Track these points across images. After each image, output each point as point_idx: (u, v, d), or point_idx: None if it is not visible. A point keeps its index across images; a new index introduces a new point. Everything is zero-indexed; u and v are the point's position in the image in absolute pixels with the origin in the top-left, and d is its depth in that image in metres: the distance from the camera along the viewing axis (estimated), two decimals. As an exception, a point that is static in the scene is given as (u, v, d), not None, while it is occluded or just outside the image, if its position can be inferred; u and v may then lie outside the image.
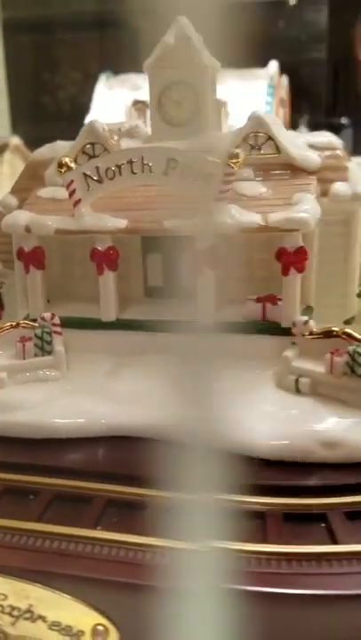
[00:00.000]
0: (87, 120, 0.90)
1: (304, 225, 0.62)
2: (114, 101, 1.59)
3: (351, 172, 0.69)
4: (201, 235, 0.66)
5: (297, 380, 0.62)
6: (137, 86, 1.45)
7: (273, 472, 0.55)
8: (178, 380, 0.66)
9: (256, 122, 0.69)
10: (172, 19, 0.72)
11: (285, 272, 0.65)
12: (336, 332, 0.62)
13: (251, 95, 1.37)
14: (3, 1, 2.06)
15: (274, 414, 0.59)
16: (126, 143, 0.76)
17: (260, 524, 0.49)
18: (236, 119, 1.39)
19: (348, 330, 0.61)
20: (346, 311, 0.72)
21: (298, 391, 0.62)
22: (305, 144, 0.70)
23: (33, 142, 1.16)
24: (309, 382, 0.62)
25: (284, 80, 1.80)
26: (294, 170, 0.69)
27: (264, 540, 0.47)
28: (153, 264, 0.78)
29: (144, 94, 1.49)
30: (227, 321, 0.70)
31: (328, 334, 0.63)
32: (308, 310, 0.73)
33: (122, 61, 1.89)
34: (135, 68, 1.42)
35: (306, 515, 0.50)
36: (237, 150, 0.63)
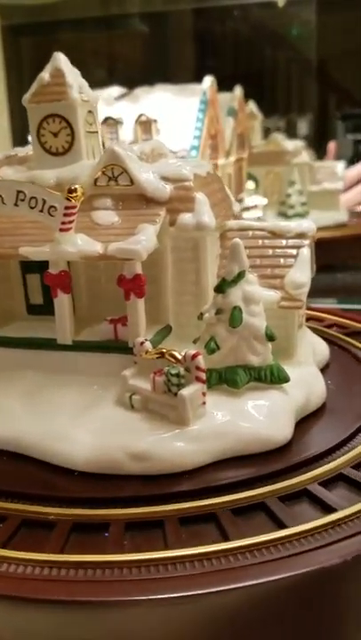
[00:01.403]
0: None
1: (136, 255, 0.67)
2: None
3: (198, 203, 0.74)
4: (51, 261, 0.72)
5: (130, 397, 0.68)
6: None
7: (83, 484, 0.60)
8: (30, 396, 0.72)
9: (111, 155, 0.74)
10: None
11: (127, 297, 0.71)
12: (164, 352, 0.67)
13: (183, 111, 1.41)
14: None
15: (100, 429, 0.64)
16: (4, 172, 0.82)
17: (48, 534, 0.54)
18: (167, 136, 1.44)
19: (173, 351, 0.66)
20: (200, 331, 0.77)
21: (132, 407, 0.67)
22: (158, 176, 0.75)
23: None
24: (140, 399, 0.67)
25: (238, 91, 1.85)
26: (147, 200, 0.74)
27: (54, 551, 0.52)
28: (32, 283, 0.83)
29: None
30: (85, 340, 0.75)
31: (161, 355, 0.68)
32: (165, 330, 0.78)
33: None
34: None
35: (93, 524, 0.55)
36: (76, 186, 0.69)
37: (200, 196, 0.74)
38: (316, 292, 1.78)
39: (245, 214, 1.88)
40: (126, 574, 0.49)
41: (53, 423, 0.66)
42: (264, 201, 1.98)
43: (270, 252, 0.78)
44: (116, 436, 0.63)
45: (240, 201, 1.89)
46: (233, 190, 1.83)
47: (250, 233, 0.80)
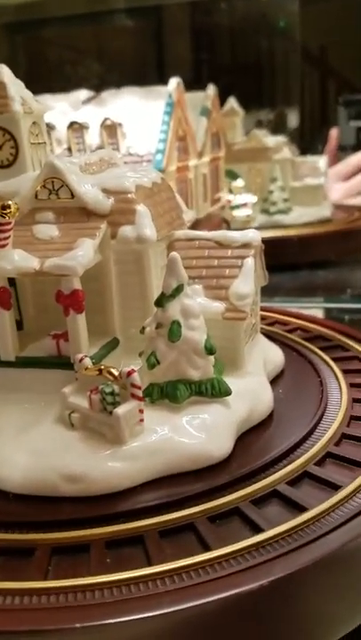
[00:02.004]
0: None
1: (71, 270, 0.67)
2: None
3: (138, 216, 0.73)
4: (-11, 278, 0.71)
5: (70, 415, 0.67)
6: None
7: (16, 507, 0.60)
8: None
9: (50, 168, 0.73)
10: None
11: (66, 313, 0.70)
12: (102, 369, 0.66)
13: (150, 114, 1.40)
14: None
15: (37, 450, 0.64)
16: None
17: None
18: (133, 140, 1.43)
19: (111, 368, 0.65)
20: (147, 344, 0.77)
21: (72, 425, 0.67)
22: (99, 188, 0.74)
23: None
24: (79, 417, 0.66)
25: (211, 90, 1.83)
26: (88, 214, 0.74)
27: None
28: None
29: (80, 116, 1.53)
30: (27, 356, 0.75)
31: (99, 371, 0.67)
32: (111, 343, 0.77)
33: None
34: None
35: (19, 549, 0.54)
36: (9, 202, 0.68)
37: (141, 208, 0.73)
38: (299, 290, 1.77)
39: (235, 212, 1.87)
40: (44, 602, 0.48)
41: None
42: (254, 199, 1.96)
43: (216, 262, 0.77)
44: (51, 458, 0.62)
45: (229, 200, 1.87)
46: (209, 190, 1.82)
47: (196, 243, 0.79)
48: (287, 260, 1.79)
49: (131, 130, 1.40)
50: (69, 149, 1.37)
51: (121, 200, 0.74)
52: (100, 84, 1.74)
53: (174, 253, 0.68)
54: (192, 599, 0.47)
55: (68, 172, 0.73)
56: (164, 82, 1.55)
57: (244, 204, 1.89)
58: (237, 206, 1.86)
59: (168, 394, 0.68)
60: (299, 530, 0.54)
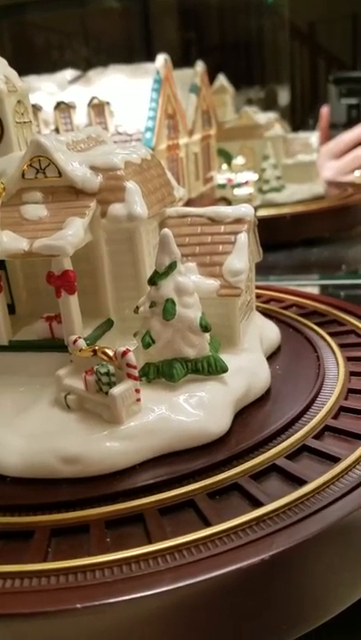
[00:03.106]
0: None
1: (61, 251, 0.65)
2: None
3: (128, 193, 0.72)
4: (-21, 261, 0.70)
5: (66, 397, 0.66)
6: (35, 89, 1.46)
7: (14, 490, 0.59)
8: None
9: (36, 147, 0.72)
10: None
11: (58, 294, 0.69)
12: (97, 350, 0.65)
13: (137, 92, 1.37)
14: None
15: (33, 433, 0.63)
16: None
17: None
18: (121, 118, 1.41)
19: (105, 349, 0.65)
20: (141, 324, 0.76)
21: (68, 407, 0.66)
22: (87, 166, 0.73)
23: None
24: (75, 399, 0.66)
25: (200, 67, 1.80)
26: (77, 192, 0.72)
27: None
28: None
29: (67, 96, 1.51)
30: (21, 340, 0.74)
31: (94, 352, 0.66)
32: (106, 324, 0.77)
33: None
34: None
35: (18, 532, 0.54)
36: (-4, 183, 0.66)
37: (131, 185, 0.72)
38: (294, 268, 1.76)
39: (236, 191, 1.85)
40: (45, 584, 0.48)
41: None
42: (255, 177, 1.93)
43: (209, 239, 0.76)
44: (48, 440, 0.61)
45: (230, 178, 1.84)
46: (201, 168, 1.80)
47: (189, 220, 0.78)
48: (281, 238, 1.78)
49: (119, 108, 1.37)
50: (57, 130, 1.35)
51: (110, 177, 0.72)
52: (86, 67, 1.71)
53: (166, 230, 0.67)
54: (194, 576, 0.46)
55: (55, 150, 0.72)
56: (152, 61, 1.52)
57: (245, 183, 1.86)
58: (238, 185, 1.84)
59: (164, 373, 0.68)
60: (299, 503, 0.54)
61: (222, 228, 0.76)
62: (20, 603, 0.46)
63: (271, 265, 1.73)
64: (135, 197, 0.71)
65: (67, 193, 0.72)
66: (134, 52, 3.04)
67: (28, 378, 0.71)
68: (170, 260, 0.67)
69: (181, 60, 2.09)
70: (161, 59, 1.40)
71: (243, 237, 0.74)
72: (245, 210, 0.75)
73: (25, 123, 0.82)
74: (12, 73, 0.81)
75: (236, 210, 0.76)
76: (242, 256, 0.73)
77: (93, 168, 0.73)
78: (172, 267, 0.67)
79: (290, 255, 1.80)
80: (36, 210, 0.72)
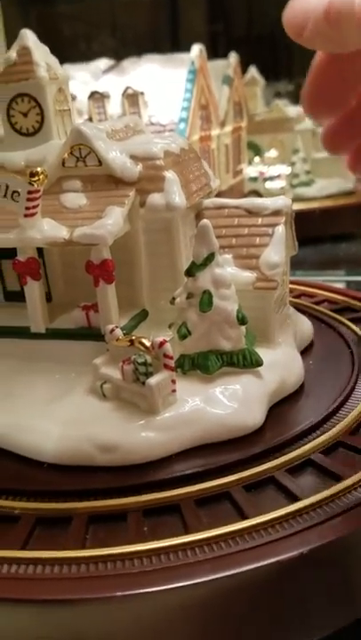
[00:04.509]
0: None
1: (101, 240, 0.66)
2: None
3: (167, 183, 0.71)
4: (19, 248, 0.70)
5: (102, 386, 0.67)
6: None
7: (51, 476, 0.60)
8: (1, 385, 0.72)
9: (77, 135, 0.72)
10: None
11: (96, 283, 0.69)
12: (134, 340, 0.66)
13: (171, 82, 1.37)
14: None
15: (70, 420, 0.64)
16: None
17: (11, 529, 0.54)
18: (155, 109, 1.40)
19: (142, 339, 0.65)
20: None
21: (104, 396, 0.66)
22: (127, 155, 0.73)
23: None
24: (111, 388, 0.66)
25: (233, 58, 1.78)
26: (117, 181, 0.72)
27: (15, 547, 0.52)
28: (8, 270, 0.82)
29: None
30: (58, 328, 0.74)
31: (131, 342, 0.66)
32: (141, 314, 0.77)
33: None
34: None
35: (56, 518, 0.54)
36: (38, 169, 0.67)
37: (170, 175, 0.72)
38: (322, 263, 1.74)
39: (268, 184, 1.83)
40: (83, 571, 0.48)
41: (24, 414, 0.66)
42: (288, 170, 1.91)
43: (246, 230, 0.75)
44: (85, 427, 0.62)
45: (262, 172, 1.82)
46: (231, 161, 1.79)
47: (225, 211, 0.78)
48: (309, 233, 1.75)
49: (152, 99, 1.37)
50: (90, 120, 1.35)
51: (149, 167, 0.72)
52: (114, 57, 1.71)
53: (205, 220, 0.66)
54: (230, 567, 0.47)
55: (96, 139, 0.72)
56: (180, 52, 1.51)
57: (278, 176, 1.85)
58: (271, 178, 1.82)
59: (199, 365, 0.68)
60: (335, 498, 0.54)
61: (260, 220, 0.75)
62: (58, 590, 0.46)
63: (299, 260, 1.72)
64: (174, 187, 0.71)
65: (106, 182, 0.73)
66: (161, 43, 3.02)
67: (63, 366, 0.72)
68: (208, 251, 0.66)
69: (209, 51, 2.08)
70: (196, 49, 1.40)
71: (280, 230, 0.73)
72: (283, 202, 0.75)
73: (65, 110, 0.82)
74: (54, 60, 0.81)
75: (274, 202, 0.75)
76: (279, 249, 0.72)
77: (133, 157, 0.73)
78: (209, 258, 0.67)
79: (318, 250, 1.79)
80: (75, 198, 0.72)
